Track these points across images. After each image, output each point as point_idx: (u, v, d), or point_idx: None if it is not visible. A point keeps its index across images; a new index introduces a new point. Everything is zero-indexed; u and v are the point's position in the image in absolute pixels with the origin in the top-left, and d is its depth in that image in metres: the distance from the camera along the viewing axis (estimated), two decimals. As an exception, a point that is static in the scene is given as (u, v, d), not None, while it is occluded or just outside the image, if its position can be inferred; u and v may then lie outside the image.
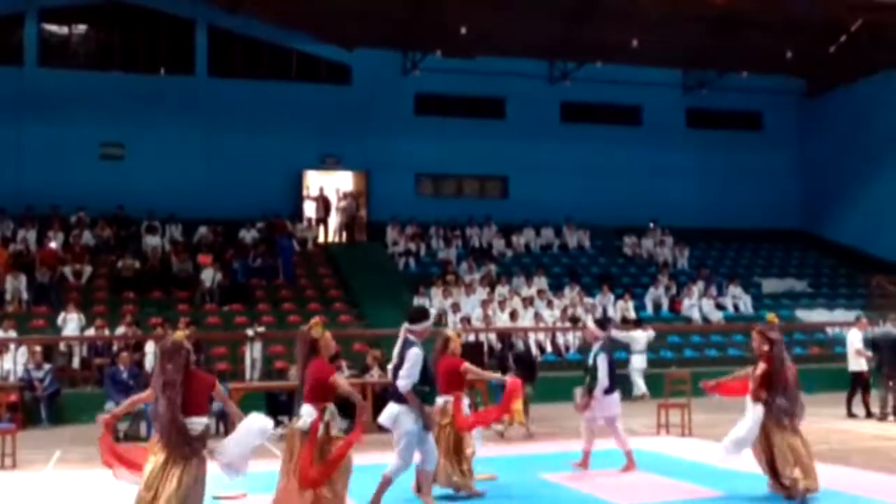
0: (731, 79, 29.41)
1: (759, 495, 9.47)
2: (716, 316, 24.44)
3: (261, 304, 22.33)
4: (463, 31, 25.35)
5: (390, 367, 8.80)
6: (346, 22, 26.07)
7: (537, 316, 22.06)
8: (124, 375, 15.37)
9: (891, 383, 16.10)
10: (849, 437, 14.00)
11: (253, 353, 18.70)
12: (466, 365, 9.71)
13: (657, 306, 24.76)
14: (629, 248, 28.57)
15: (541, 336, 21.59)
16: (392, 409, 8.58)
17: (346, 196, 27.27)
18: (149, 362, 17.59)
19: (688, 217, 29.25)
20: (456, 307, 21.89)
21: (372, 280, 23.86)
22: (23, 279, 21.00)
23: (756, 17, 26.36)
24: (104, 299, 21.64)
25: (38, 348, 17.27)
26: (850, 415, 16.42)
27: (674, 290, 25.27)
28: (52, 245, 22.88)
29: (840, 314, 25.12)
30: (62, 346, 18.79)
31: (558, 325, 22.04)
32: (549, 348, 21.48)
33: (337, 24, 26.29)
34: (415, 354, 8.46)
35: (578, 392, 11.38)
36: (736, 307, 25.25)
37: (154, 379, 7.24)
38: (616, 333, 20.75)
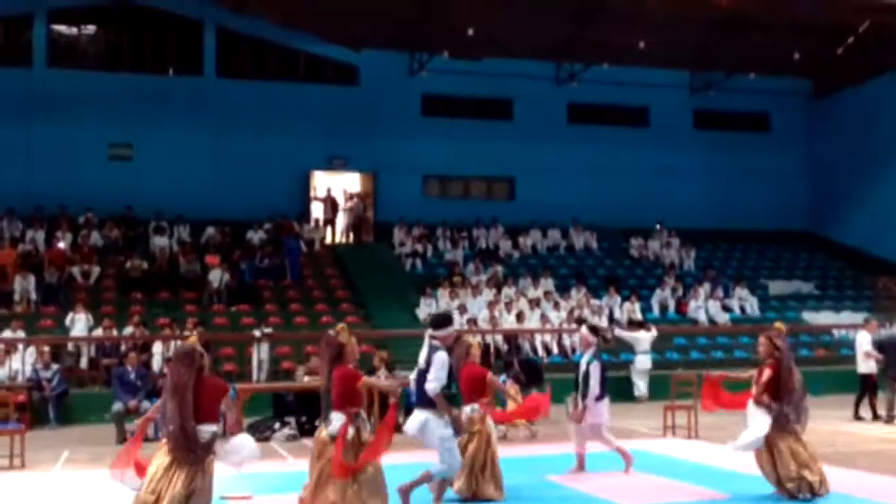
0: (738, 80, 29.38)
1: (764, 497, 9.48)
2: (722, 318, 24.42)
3: (268, 304, 22.38)
4: (470, 32, 25.37)
5: (413, 375, 8.74)
6: (353, 23, 26.11)
7: (544, 317, 22.08)
8: (132, 376, 15.42)
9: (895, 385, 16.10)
10: (855, 439, 14.00)
11: (260, 353, 18.75)
12: (490, 376, 9.83)
13: (663, 308, 24.76)
14: (636, 250, 28.57)
15: (547, 337, 21.62)
16: (419, 416, 8.57)
17: (352, 197, 27.32)
18: (156, 363, 17.68)
19: (694, 218, 29.25)
20: (462, 308, 21.92)
21: (379, 281, 23.91)
22: (31, 279, 21.09)
23: (763, 19, 26.34)
24: (112, 300, 21.71)
25: (46, 348, 17.33)
26: (858, 417, 16.41)
27: (680, 292, 25.26)
28: (61, 245, 22.96)
29: (847, 316, 25.11)
30: (70, 347, 18.85)
31: (565, 326, 22.04)
32: (555, 350, 21.49)
33: (344, 25, 26.34)
34: (442, 358, 8.48)
35: (570, 401, 11.41)
36: (742, 309, 25.23)
37: (166, 382, 7.25)
38: (621, 333, 20.90)
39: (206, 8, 26.53)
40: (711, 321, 24.24)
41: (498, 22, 25.58)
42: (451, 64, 27.23)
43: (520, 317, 21.78)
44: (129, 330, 19.13)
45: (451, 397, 8.60)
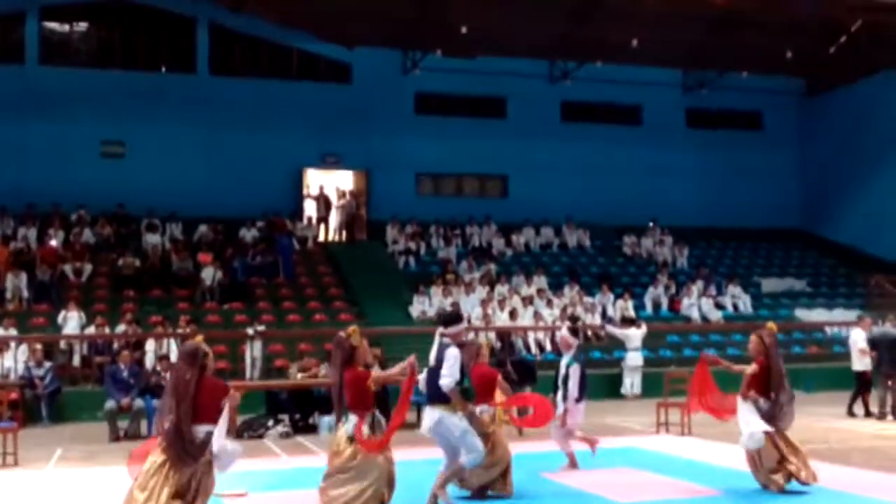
0: (731, 78, 29.42)
1: (757, 493, 9.53)
2: (715, 315, 24.47)
3: (261, 302, 22.36)
4: (463, 30, 25.35)
5: (423, 375, 8.69)
6: (346, 21, 26.08)
7: (537, 315, 22.10)
8: (125, 374, 15.39)
9: (889, 382, 16.13)
10: (848, 436, 14.03)
11: (253, 351, 18.73)
12: (500, 378, 9.84)
13: (656, 306, 24.79)
14: (629, 248, 28.59)
15: (540, 335, 21.65)
16: (432, 414, 8.56)
17: (344, 194, 27.28)
18: (149, 361, 17.65)
19: (687, 216, 29.28)
20: (455, 306, 21.89)
21: (372, 279, 23.90)
22: (23, 277, 21.03)
23: (756, 17, 26.36)
24: (104, 297, 21.67)
25: (38, 346, 17.31)
26: (851, 414, 16.45)
27: (673, 290, 25.30)
28: (53, 243, 22.90)
29: (839, 314, 25.19)
30: (63, 345, 18.83)
31: (558, 324, 22.03)
32: (548, 347, 21.51)
33: (338, 22, 26.30)
34: (454, 353, 8.49)
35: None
36: (735, 307, 25.29)
37: (169, 379, 7.22)
38: (612, 330, 20.93)
39: (199, 5, 26.46)
40: (704, 319, 24.28)
41: (491, 20, 25.56)
42: (444, 62, 27.22)
43: (513, 314, 21.80)
44: (121, 328, 19.10)
45: (464, 392, 8.62)
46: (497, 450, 9.31)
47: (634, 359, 20.35)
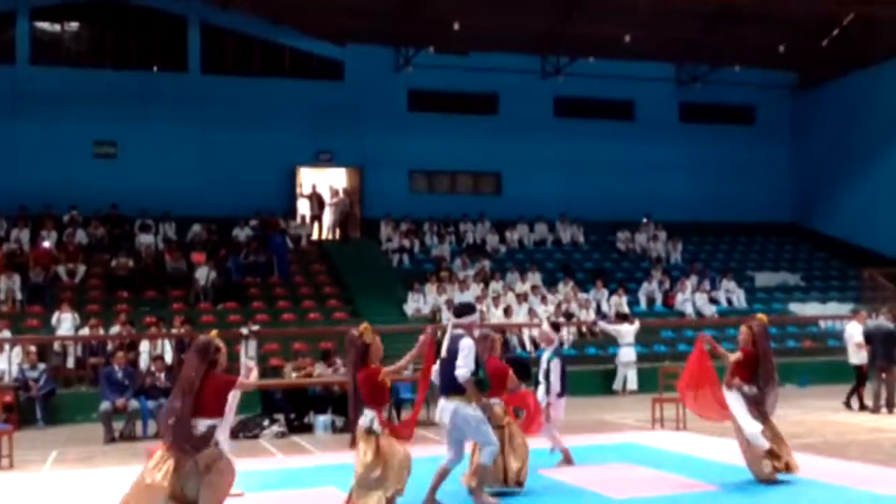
0: (724, 73, 29.46)
1: (752, 488, 9.55)
2: (709, 310, 24.50)
3: (255, 302, 22.33)
4: (456, 26, 25.35)
5: (436, 366, 8.71)
6: (338, 18, 26.04)
7: (531, 312, 22.11)
8: (119, 375, 15.32)
9: (883, 376, 16.16)
10: (844, 429, 14.04)
11: (248, 351, 18.67)
12: (512, 373, 9.86)
13: (651, 301, 24.82)
14: (623, 243, 28.62)
15: (535, 332, 21.61)
16: (448, 405, 8.51)
17: (337, 193, 27.24)
18: (143, 362, 17.60)
19: (681, 211, 29.31)
20: (450, 304, 21.86)
21: (366, 277, 23.90)
22: (17, 279, 21.00)
23: (748, 11, 26.40)
24: (98, 298, 21.63)
25: (32, 348, 17.25)
26: (848, 406, 16.45)
27: (667, 285, 25.33)
28: (46, 244, 22.85)
29: (833, 307, 25.25)
30: (57, 346, 18.77)
31: (552, 320, 22.03)
32: (543, 344, 21.45)
33: (329, 19, 26.27)
34: (469, 344, 8.46)
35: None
36: (729, 301, 25.32)
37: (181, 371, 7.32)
38: (604, 326, 20.92)
39: (189, 4, 26.41)
40: (698, 314, 24.30)
41: (483, 16, 25.57)
42: (436, 59, 27.19)
43: (507, 311, 21.80)
44: (115, 329, 19.04)
45: (478, 383, 8.63)
46: (516, 439, 9.44)
47: (627, 354, 20.37)
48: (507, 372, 9.73)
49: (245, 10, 26.29)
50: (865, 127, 28.84)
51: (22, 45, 25.67)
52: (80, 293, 21.61)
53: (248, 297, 22.50)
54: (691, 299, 24.58)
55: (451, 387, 8.49)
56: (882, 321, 16.75)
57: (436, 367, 8.72)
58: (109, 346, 18.26)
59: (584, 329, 22.45)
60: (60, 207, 24.10)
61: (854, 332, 16.88)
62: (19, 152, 24.69)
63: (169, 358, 17.42)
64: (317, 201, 27.05)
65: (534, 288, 23.50)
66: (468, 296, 22.52)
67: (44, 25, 26.42)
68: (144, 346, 18.23)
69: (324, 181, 27.48)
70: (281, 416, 15.45)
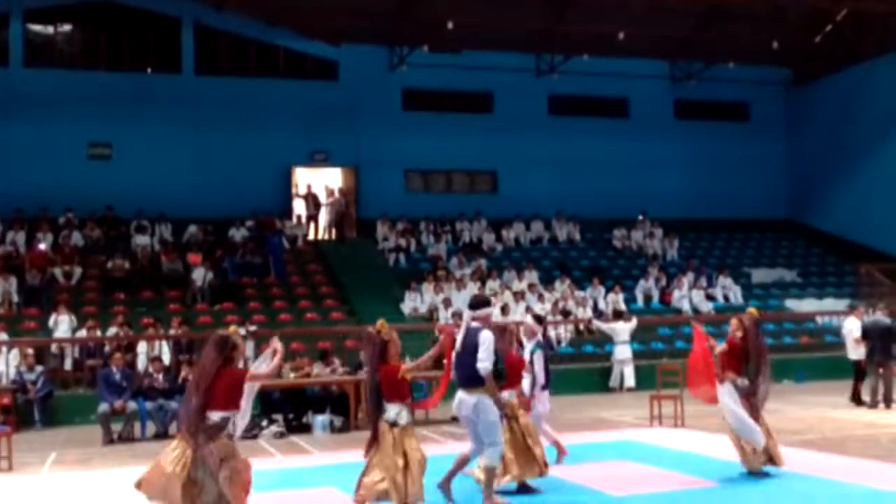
0: (718, 70, 29.50)
1: (750, 484, 9.58)
2: (706, 307, 24.52)
3: (252, 302, 22.32)
4: (450, 25, 25.35)
5: (453, 358, 8.76)
6: (332, 17, 26.03)
7: (528, 310, 22.05)
8: (117, 377, 15.30)
9: (881, 371, 16.19)
10: (842, 425, 14.07)
11: (245, 351, 18.64)
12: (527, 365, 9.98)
13: (647, 298, 24.83)
14: (619, 241, 28.63)
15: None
16: (469, 398, 8.54)
17: (332, 193, 27.22)
18: (141, 363, 17.60)
19: (677, 208, 29.34)
20: (447, 302, 21.95)
21: (363, 277, 23.89)
22: (13, 281, 20.95)
23: (742, 8, 26.45)
24: (95, 300, 21.60)
25: (30, 350, 17.23)
26: (859, 402, 16.43)
27: (664, 282, 25.35)
28: (42, 247, 22.79)
29: (829, 303, 25.29)
30: (54, 348, 18.75)
31: (549, 318, 22.07)
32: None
33: (323, 19, 26.26)
34: (490, 337, 8.49)
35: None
36: (726, 298, 25.34)
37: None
38: (598, 325, 20.92)
39: (183, 5, 26.36)
40: (695, 310, 24.30)
41: (477, 15, 25.59)
42: (430, 58, 27.20)
43: (504, 310, 21.79)
44: (112, 330, 19.02)
45: (498, 374, 8.67)
46: (534, 434, 9.57)
47: (623, 352, 20.38)
48: (523, 365, 9.88)
49: (239, 11, 26.26)
50: (859, 122, 28.88)
51: (15, 47, 25.59)
52: (76, 295, 21.58)
53: (244, 298, 22.48)
54: (688, 296, 24.60)
55: (471, 379, 8.53)
56: (879, 316, 16.78)
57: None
58: (107, 348, 18.23)
59: (581, 327, 22.46)
60: (56, 209, 24.06)
61: (853, 327, 16.92)
62: (14, 155, 24.63)
63: (167, 359, 17.41)
64: (312, 201, 27.03)
65: (530, 286, 23.50)
66: (465, 294, 22.54)
67: (37, 27, 26.36)
68: (142, 347, 18.23)
69: (319, 181, 27.47)
70: (279, 417, 15.45)
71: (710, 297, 24.97)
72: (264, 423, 15.15)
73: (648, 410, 14.69)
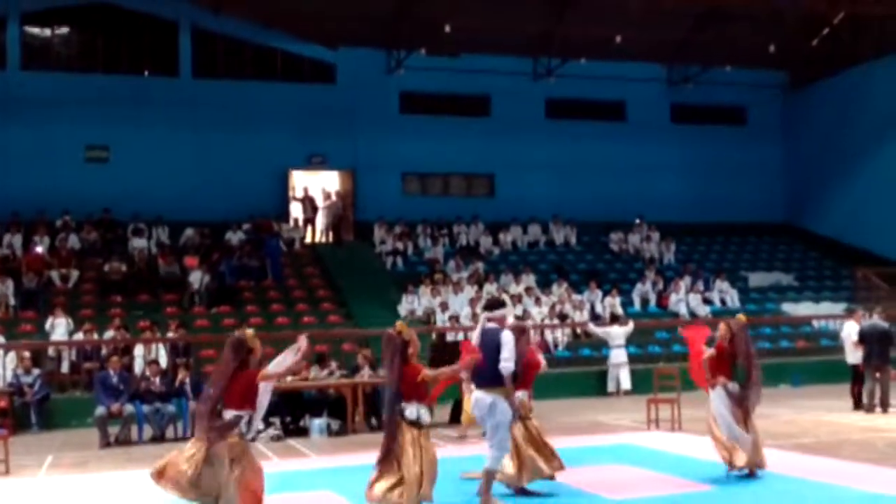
0: (715, 73, 29.53)
1: (747, 488, 9.59)
2: (703, 310, 24.50)
3: (249, 305, 22.32)
4: (447, 29, 25.38)
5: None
6: (329, 21, 26.07)
7: (526, 313, 22.10)
8: (114, 380, 15.29)
9: (878, 375, 16.20)
10: (838, 429, 14.08)
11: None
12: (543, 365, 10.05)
13: (644, 302, 24.84)
14: (616, 244, 28.64)
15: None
16: (486, 397, 8.61)
17: (330, 196, 27.22)
18: (138, 366, 17.57)
19: (674, 212, 29.35)
20: (444, 306, 21.94)
21: (360, 280, 23.89)
22: (10, 284, 20.93)
23: (739, 11, 26.48)
24: (92, 303, 21.58)
25: (26, 354, 17.23)
26: (859, 406, 16.43)
27: (661, 286, 25.35)
28: (39, 250, 22.77)
29: (826, 307, 25.28)
30: (51, 351, 18.74)
31: (547, 322, 22.09)
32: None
33: (320, 23, 26.28)
34: (511, 337, 8.57)
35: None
36: (723, 301, 25.33)
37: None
38: (593, 329, 20.90)
39: (180, 8, 26.37)
40: (692, 314, 24.30)
41: (475, 18, 25.62)
42: (428, 61, 27.21)
43: (502, 312, 21.76)
44: (109, 333, 18.99)
45: (515, 375, 8.71)
46: (544, 435, 9.61)
47: (618, 356, 20.40)
48: (539, 366, 9.92)
49: (236, 15, 26.26)
50: (856, 125, 28.92)
51: (13, 49, 25.59)
52: (73, 298, 21.56)
53: (241, 301, 22.48)
54: (685, 300, 24.61)
55: (489, 379, 8.59)
56: (876, 320, 16.79)
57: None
58: (104, 351, 18.22)
59: (578, 331, 22.46)
60: (53, 212, 24.04)
61: (851, 331, 16.93)
62: (11, 158, 24.62)
63: (164, 362, 17.38)
64: (309, 204, 27.03)
65: (528, 290, 23.51)
66: (462, 298, 22.58)
67: (34, 30, 26.37)
68: (139, 350, 18.18)
69: (316, 184, 27.47)
70: (276, 420, 15.43)
71: (706, 301, 24.97)
72: (261, 426, 15.12)
73: (645, 414, 14.70)
